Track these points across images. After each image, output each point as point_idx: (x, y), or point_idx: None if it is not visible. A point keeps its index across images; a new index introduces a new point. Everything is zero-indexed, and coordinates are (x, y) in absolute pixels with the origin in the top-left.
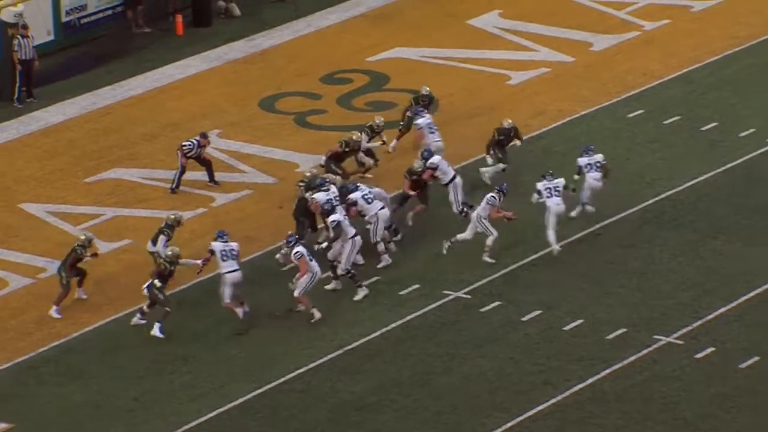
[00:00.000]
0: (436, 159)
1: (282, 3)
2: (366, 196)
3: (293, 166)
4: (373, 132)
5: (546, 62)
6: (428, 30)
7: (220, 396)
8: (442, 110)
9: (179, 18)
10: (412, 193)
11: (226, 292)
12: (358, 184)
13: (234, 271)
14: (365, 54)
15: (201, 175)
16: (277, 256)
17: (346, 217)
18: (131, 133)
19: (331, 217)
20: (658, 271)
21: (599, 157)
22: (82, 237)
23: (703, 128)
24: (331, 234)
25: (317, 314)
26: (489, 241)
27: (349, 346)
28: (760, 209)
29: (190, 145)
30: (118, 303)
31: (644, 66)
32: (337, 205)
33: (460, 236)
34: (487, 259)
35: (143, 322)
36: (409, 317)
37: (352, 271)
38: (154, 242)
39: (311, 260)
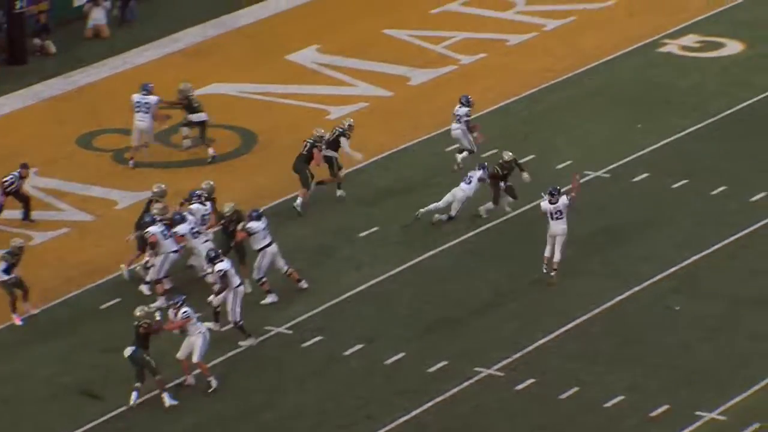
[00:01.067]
0: (254, 225)
1: (98, 40)
2: (193, 230)
3: (112, 203)
4: (344, 131)
5: (364, 97)
6: (246, 65)
7: None
8: (261, 146)
9: None
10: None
11: None
12: (185, 215)
13: None
14: None
15: (18, 213)
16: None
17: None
18: None
19: (218, 266)
20: (478, 303)
21: (465, 110)
22: None
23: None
24: (218, 284)
25: (214, 383)
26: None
27: (172, 383)
28: (577, 241)
29: (11, 179)
30: None
31: None
32: (167, 233)
33: (555, 259)
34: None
35: (137, 401)
36: (231, 353)
37: (241, 322)
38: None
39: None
